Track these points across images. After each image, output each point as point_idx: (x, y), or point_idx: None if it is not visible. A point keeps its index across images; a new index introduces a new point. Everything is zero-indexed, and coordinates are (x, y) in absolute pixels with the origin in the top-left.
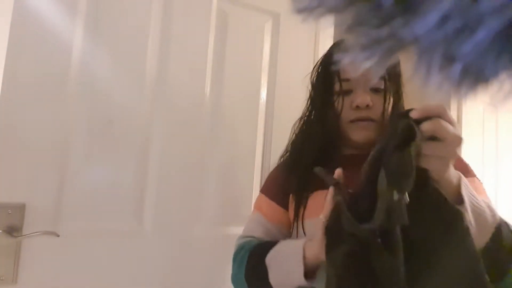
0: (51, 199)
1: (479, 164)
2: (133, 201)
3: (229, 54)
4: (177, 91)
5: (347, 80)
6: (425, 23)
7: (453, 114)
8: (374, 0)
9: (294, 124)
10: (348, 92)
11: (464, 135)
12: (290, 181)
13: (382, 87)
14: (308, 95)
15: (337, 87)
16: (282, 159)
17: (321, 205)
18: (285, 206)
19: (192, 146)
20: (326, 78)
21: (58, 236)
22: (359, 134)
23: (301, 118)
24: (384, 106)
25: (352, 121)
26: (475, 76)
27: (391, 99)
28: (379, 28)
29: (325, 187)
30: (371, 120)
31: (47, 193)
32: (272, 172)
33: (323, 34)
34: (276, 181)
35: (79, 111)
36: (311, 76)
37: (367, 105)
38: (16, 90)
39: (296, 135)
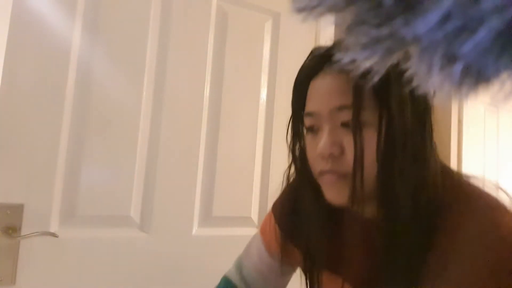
0: (49, 199)
1: (480, 164)
2: (133, 202)
3: (229, 53)
4: (176, 91)
5: (310, 114)
6: (425, 22)
7: (454, 114)
8: None
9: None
10: (314, 130)
11: (465, 136)
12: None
13: (366, 119)
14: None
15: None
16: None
17: None
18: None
19: (191, 146)
20: (293, 109)
21: (57, 236)
22: (327, 193)
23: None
24: (356, 151)
25: (320, 173)
26: (476, 76)
27: (377, 137)
28: (379, 28)
29: (337, 269)
30: (340, 174)
31: (45, 193)
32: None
33: (323, 34)
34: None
35: (78, 111)
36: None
37: (331, 153)
38: (15, 90)
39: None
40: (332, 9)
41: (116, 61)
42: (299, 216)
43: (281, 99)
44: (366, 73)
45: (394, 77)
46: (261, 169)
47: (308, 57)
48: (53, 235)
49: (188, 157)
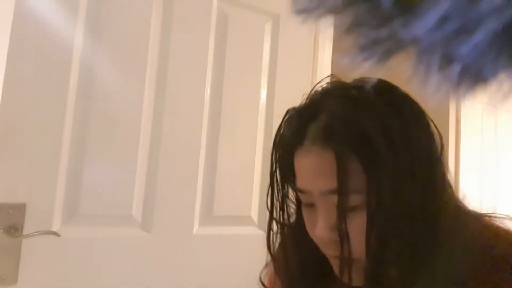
0: (51, 199)
1: (478, 164)
2: (134, 201)
3: (229, 54)
4: (178, 91)
5: (302, 192)
6: (424, 23)
7: (452, 114)
8: (373, 0)
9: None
10: (311, 206)
11: (462, 135)
12: None
13: (358, 202)
14: None
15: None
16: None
17: None
18: None
19: (192, 146)
20: (282, 184)
21: (59, 236)
22: (336, 270)
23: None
24: (342, 239)
25: (328, 255)
26: (474, 76)
27: (366, 223)
28: (378, 29)
29: None
30: (348, 258)
31: (47, 193)
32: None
33: (323, 35)
34: None
35: (80, 111)
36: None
37: (330, 239)
38: (17, 90)
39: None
40: (332, 10)
41: (118, 62)
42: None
43: (281, 99)
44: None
45: (385, 149)
46: (261, 168)
47: (284, 119)
48: (55, 234)
49: (189, 157)
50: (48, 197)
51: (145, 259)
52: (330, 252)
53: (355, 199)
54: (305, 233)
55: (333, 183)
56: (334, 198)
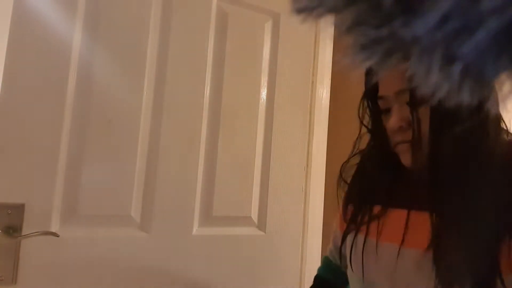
0: (50, 199)
1: None
2: (133, 201)
3: (229, 54)
4: (177, 90)
5: (381, 98)
6: (425, 23)
7: None
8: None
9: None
10: (387, 111)
11: None
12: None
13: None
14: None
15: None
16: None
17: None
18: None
19: (192, 146)
20: (367, 97)
21: (58, 236)
22: (403, 159)
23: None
24: (414, 126)
25: (395, 144)
26: (475, 76)
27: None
28: (379, 28)
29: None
30: (408, 142)
31: (46, 193)
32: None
33: (323, 34)
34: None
35: (79, 111)
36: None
37: (400, 127)
38: (16, 90)
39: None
40: (332, 9)
41: (117, 61)
42: (363, 178)
43: (281, 99)
44: None
45: None
46: (261, 168)
47: None
48: (54, 234)
49: (188, 157)
50: (47, 197)
51: (144, 260)
52: (399, 138)
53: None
54: (382, 137)
55: (404, 83)
56: (405, 96)
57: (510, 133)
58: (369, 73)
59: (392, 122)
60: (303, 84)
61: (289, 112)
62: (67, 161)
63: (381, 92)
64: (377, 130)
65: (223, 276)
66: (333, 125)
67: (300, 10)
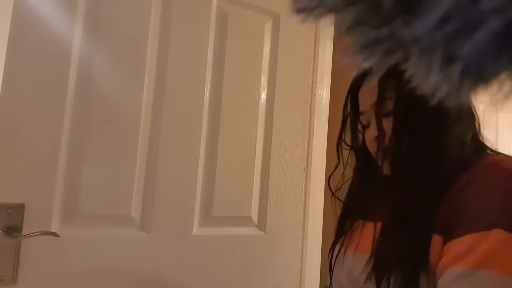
0: (50, 199)
1: None
2: (133, 201)
3: (229, 54)
4: (177, 90)
5: (362, 113)
6: (425, 23)
7: None
8: (374, 0)
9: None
10: (368, 126)
11: None
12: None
13: (391, 109)
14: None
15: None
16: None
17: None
18: None
19: (192, 146)
20: (351, 112)
21: (58, 236)
22: (383, 168)
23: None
24: (379, 134)
25: (374, 153)
26: (475, 76)
27: (392, 124)
28: (379, 28)
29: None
30: (382, 151)
31: (46, 193)
32: None
33: (323, 34)
34: None
35: (79, 111)
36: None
37: (376, 136)
38: (16, 90)
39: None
40: (332, 9)
41: (117, 61)
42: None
43: (281, 99)
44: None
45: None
46: (261, 168)
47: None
48: (54, 234)
49: (188, 157)
50: (47, 197)
51: (144, 260)
52: (375, 147)
53: (386, 107)
54: (366, 151)
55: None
56: (380, 109)
57: (488, 146)
58: (351, 92)
59: (369, 133)
60: (303, 84)
61: (289, 112)
62: (67, 161)
63: (361, 107)
64: (361, 145)
65: (223, 276)
66: (333, 125)
67: (300, 10)
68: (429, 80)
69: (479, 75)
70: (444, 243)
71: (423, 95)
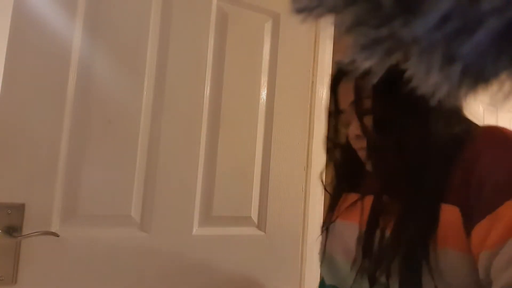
0: (50, 199)
1: None
2: (133, 201)
3: (229, 54)
4: (177, 91)
5: (342, 112)
6: (425, 23)
7: None
8: (374, 0)
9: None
10: (348, 124)
11: None
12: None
13: (369, 107)
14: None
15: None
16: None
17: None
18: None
19: (192, 146)
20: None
21: (58, 236)
22: (366, 164)
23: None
24: (362, 131)
25: (357, 150)
26: (475, 76)
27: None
28: (379, 28)
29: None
30: (363, 149)
31: (46, 193)
32: None
33: (323, 34)
34: None
35: (79, 111)
36: None
37: (357, 135)
38: (16, 90)
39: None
40: (332, 10)
41: (117, 61)
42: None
43: (281, 99)
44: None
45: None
46: (261, 168)
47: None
48: (54, 234)
49: (188, 157)
50: (47, 197)
51: (144, 260)
52: (358, 146)
53: (365, 104)
54: (349, 147)
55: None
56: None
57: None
58: (333, 90)
59: (349, 131)
60: (303, 84)
61: (289, 112)
62: (67, 161)
63: (341, 106)
64: (344, 143)
65: (223, 276)
66: None
67: (300, 10)
68: (429, 80)
69: (479, 75)
70: (467, 215)
71: (398, 90)
